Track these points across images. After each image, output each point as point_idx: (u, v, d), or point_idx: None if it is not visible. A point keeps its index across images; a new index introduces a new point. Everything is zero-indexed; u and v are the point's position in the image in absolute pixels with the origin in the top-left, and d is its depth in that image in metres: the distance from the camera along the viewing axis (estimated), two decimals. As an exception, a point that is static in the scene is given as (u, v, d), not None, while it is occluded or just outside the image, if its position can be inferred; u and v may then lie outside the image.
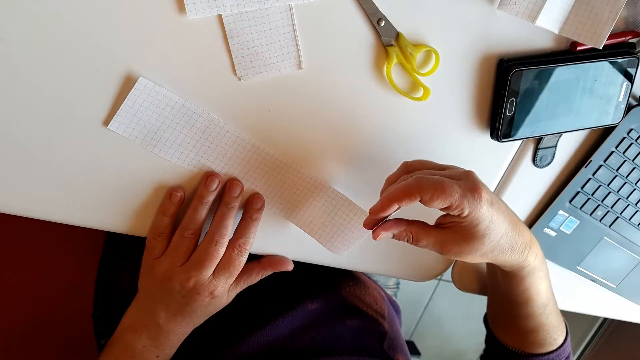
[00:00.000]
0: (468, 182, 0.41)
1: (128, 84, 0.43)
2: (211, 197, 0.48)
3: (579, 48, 0.49)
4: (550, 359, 0.59)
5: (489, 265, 0.61)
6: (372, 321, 0.67)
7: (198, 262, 0.48)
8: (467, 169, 0.44)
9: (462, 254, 0.44)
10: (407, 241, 0.45)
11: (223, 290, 0.50)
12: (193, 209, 0.48)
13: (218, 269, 0.49)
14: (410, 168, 0.46)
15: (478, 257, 0.44)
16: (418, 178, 0.41)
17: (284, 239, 0.56)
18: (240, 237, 0.50)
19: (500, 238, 0.43)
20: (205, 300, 0.49)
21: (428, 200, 0.40)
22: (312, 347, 0.56)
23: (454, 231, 0.43)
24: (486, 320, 0.66)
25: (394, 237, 0.45)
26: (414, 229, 0.44)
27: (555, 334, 0.58)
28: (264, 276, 0.54)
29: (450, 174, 0.43)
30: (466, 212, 0.41)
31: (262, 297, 0.62)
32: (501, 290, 0.56)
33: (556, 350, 0.59)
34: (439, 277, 0.52)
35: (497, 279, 0.56)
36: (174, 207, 0.48)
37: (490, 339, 0.65)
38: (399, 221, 0.44)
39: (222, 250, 0.48)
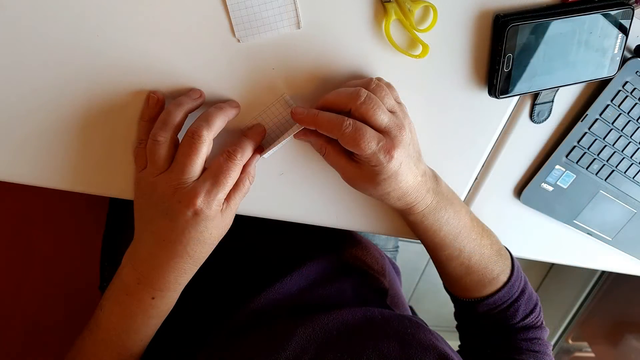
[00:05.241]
0: (388, 141, 0.44)
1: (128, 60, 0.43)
2: (192, 104, 0.45)
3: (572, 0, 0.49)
4: (494, 301, 0.57)
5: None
6: (374, 279, 0.69)
7: (180, 160, 0.42)
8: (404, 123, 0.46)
9: (361, 189, 0.49)
10: (321, 154, 0.49)
11: (209, 205, 0.43)
12: (166, 112, 0.44)
13: (204, 175, 0.43)
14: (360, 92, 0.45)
15: (375, 196, 0.49)
16: (342, 122, 0.43)
17: (276, 200, 0.56)
18: (229, 145, 0.45)
19: (393, 190, 0.47)
20: (188, 215, 0.42)
21: (343, 144, 0.44)
22: (320, 302, 0.57)
23: (359, 167, 0.46)
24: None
25: (311, 143, 0.50)
26: (329, 148, 0.47)
27: (490, 274, 0.56)
28: (253, 181, 0.48)
29: (388, 123, 0.44)
30: (372, 164, 0.44)
31: (268, 258, 0.63)
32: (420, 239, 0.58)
33: (500, 290, 0.57)
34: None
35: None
36: (152, 110, 0.45)
37: (448, 294, 0.65)
38: (319, 135, 0.47)
39: (206, 146, 0.43)
